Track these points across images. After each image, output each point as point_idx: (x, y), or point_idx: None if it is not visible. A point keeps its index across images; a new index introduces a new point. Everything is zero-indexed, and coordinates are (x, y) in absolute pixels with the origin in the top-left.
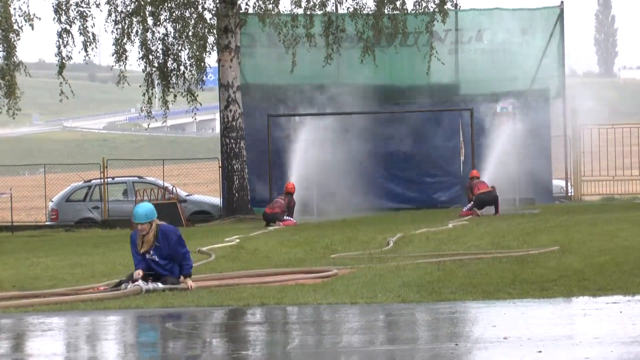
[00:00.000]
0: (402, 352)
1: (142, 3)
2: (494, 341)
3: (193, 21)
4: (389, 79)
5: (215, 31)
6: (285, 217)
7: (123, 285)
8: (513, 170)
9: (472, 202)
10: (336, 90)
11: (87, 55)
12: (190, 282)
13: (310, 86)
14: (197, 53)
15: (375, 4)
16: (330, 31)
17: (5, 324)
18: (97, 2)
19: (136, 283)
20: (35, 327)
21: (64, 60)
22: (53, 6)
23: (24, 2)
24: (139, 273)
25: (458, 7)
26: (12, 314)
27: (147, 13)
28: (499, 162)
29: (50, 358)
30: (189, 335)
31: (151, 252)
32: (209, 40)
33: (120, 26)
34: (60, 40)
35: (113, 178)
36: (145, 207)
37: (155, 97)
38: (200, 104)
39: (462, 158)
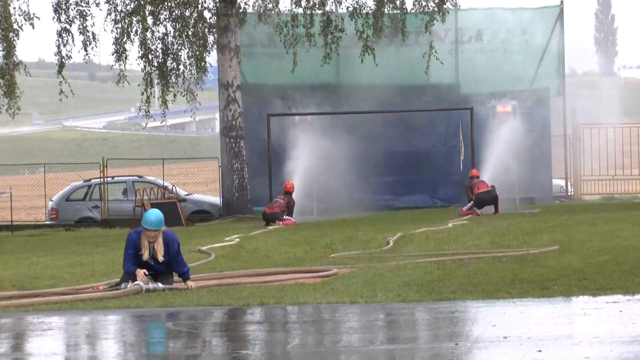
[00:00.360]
0: (402, 351)
1: (142, 2)
2: (493, 340)
3: (193, 20)
4: (389, 78)
5: (215, 30)
6: (284, 217)
7: (123, 285)
8: (513, 169)
9: (472, 202)
10: (336, 90)
11: (87, 54)
12: (190, 283)
13: (310, 86)
14: (197, 52)
15: (375, 3)
16: (328, 31)
17: (5, 323)
18: (97, 2)
19: (136, 282)
20: (35, 327)
21: (63, 60)
22: (53, 5)
23: (23, 2)
24: (145, 273)
25: (458, 6)
26: (12, 313)
27: (146, 12)
28: (498, 162)
29: (50, 357)
30: (189, 335)
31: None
32: (208, 39)
33: (120, 25)
34: (60, 40)
35: (113, 177)
36: (158, 214)
37: (155, 97)
38: (200, 104)
39: (462, 157)
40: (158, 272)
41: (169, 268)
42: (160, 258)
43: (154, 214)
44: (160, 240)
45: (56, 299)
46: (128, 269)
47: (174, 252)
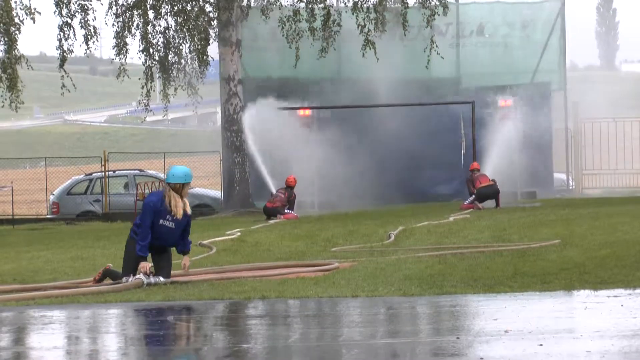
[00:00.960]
0: (404, 345)
1: None
2: (495, 334)
3: (194, 14)
4: (391, 72)
5: (216, 24)
6: (286, 211)
7: (124, 279)
8: (514, 163)
9: (473, 195)
10: (337, 84)
11: (88, 48)
12: (187, 260)
13: (312, 80)
14: (199, 46)
15: None
16: (327, 25)
17: (6, 317)
18: None
19: (137, 276)
20: (36, 320)
21: (65, 54)
22: None
23: None
24: (145, 266)
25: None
26: (13, 307)
27: (148, 6)
28: (500, 156)
29: (51, 351)
30: (190, 329)
31: (170, 218)
32: (210, 33)
33: (121, 19)
34: (62, 34)
35: (114, 171)
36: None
37: (156, 91)
38: (201, 98)
39: (463, 151)
40: (168, 243)
41: (177, 242)
42: (189, 211)
43: (182, 168)
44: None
45: (57, 293)
46: (143, 250)
47: (188, 216)
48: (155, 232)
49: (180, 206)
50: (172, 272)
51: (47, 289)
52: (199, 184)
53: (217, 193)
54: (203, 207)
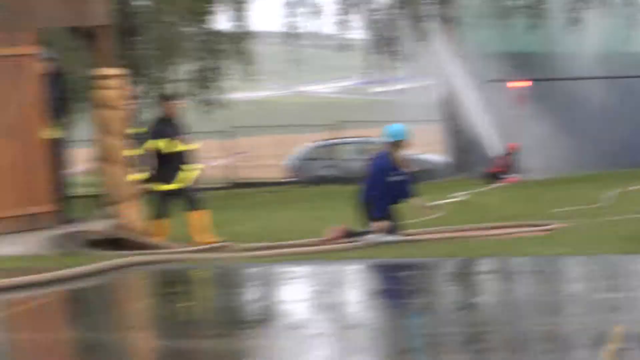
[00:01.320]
0: (625, 300)
1: None
2: None
3: None
4: (604, 46)
5: (435, 1)
6: (507, 175)
7: (363, 237)
8: None
9: None
10: (554, 56)
11: (316, 24)
12: (419, 200)
13: (526, 53)
14: (419, 23)
15: None
16: (536, 3)
17: (255, 272)
18: None
19: (375, 235)
20: (282, 276)
21: (294, 30)
22: None
23: None
24: (382, 225)
25: None
26: (261, 264)
27: None
28: None
29: (296, 304)
30: (422, 284)
31: (399, 173)
32: (429, 10)
33: None
34: (289, 11)
35: (346, 138)
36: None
37: (379, 64)
38: (423, 70)
39: None
40: (400, 196)
41: (409, 185)
42: (411, 164)
43: (399, 126)
44: None
45: (301, 250)
46: (380, 211)
47: (411, 170)
48: (388, 188)
49: (407, 161)
50: (405, 232)
51: (291, 246)
52: (421, 151)
53: (439, 158)
54: (426, 172)
